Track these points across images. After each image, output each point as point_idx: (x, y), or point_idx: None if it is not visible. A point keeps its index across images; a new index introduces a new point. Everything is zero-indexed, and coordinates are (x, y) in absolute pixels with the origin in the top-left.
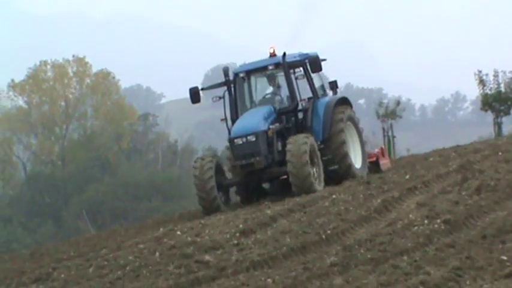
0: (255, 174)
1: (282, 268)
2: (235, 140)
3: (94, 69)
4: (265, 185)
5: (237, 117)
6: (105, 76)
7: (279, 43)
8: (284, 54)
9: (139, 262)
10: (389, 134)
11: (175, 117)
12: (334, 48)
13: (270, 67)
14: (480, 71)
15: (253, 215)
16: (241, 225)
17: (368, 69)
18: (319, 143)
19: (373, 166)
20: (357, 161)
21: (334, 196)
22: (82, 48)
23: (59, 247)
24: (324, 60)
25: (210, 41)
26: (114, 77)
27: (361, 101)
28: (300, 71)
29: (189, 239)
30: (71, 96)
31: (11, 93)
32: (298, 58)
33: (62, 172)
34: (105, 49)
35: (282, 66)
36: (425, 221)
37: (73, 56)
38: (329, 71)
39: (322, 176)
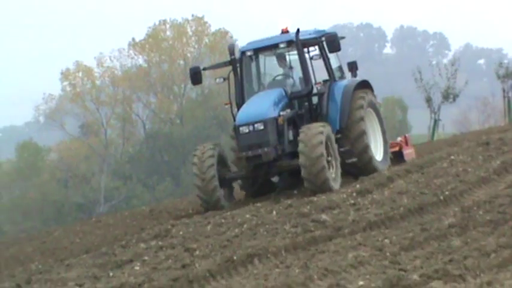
0: (262, 168)
1: (399, 229)
2: (241, 128)
3: (212, 29)
4: (274, 178)
5: (243, 102)
6: (223, 35)
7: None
8: (298, 30)
9: (256, 220)
10: (509, 95)
11: None
12: (441, 9)
13: (282, 45)
14: None
15: (369, 176)
16: (358, 185)
17: (487, 28)
18: (335, 132)
19: (396, 156)
20: (377, 152)
21: (452, 157)
22: (201, 7)
23: (177, 205)
24: (343, 38)
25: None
26: (231, 37)
27: (481, 62)
28: (314, 49)
29: (306, 198)
30: (189, 55)
31: (131, 52)
32: (313, 35)
33: (180, 131)
34: (224, 7)
35: (295, 45)
36: None
37: (192, 15)
38: (448, 31)
39: (340, 172)
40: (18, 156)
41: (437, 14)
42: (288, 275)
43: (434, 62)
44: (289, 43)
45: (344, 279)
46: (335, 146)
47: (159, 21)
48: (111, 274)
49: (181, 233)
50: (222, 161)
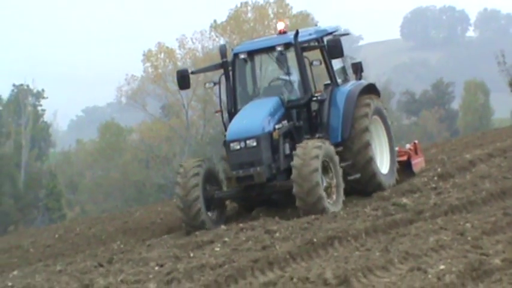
0: (254, 188)
1: (480, 213)
2: (232, 145)
3: (294, 11)
4: None
5: (235, 109)
6: (304, 18)
7: None
8: (297, 32)
9: None
10: None
11: (372, 60)
12: None
13: (278, 47)
14: None
15: (451, 160)
16: (439, 169)
17: None
18: (336, 144)
19: (404, 166)
20: (383, 165)
21: None
22: None
23: None
24: (347, 34)
25: None
26: (313, 19)
27: None
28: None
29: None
30: None
31: (212, 33)
32: (314, 36)
33: None
34: None
35: (293, 47)
36: None
37: None
38: None
39: (341, 196)
40: (100, 137)
41: None
42: (369, 257)
43: None
44: (287, 46)
45: (425, 263)
46: (337, 165)
47: (241, 3)
48: (191, 254)
49: (261, 214)
50: (212, 178)
